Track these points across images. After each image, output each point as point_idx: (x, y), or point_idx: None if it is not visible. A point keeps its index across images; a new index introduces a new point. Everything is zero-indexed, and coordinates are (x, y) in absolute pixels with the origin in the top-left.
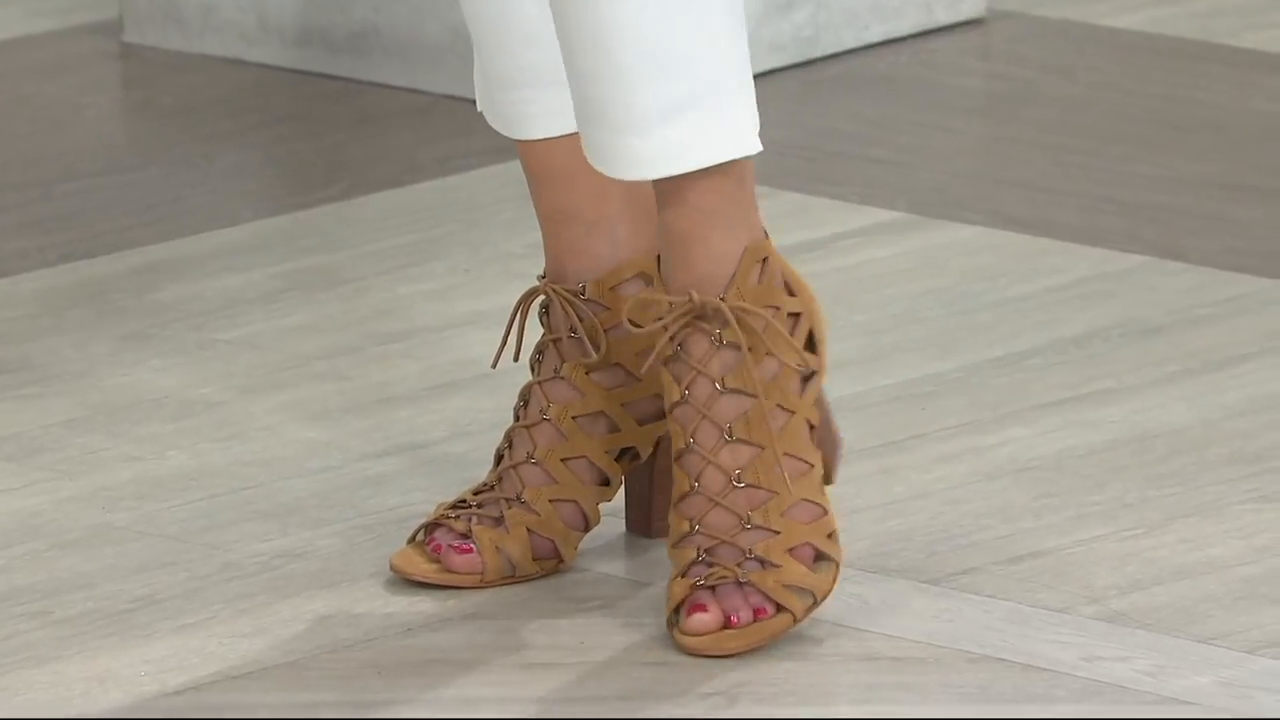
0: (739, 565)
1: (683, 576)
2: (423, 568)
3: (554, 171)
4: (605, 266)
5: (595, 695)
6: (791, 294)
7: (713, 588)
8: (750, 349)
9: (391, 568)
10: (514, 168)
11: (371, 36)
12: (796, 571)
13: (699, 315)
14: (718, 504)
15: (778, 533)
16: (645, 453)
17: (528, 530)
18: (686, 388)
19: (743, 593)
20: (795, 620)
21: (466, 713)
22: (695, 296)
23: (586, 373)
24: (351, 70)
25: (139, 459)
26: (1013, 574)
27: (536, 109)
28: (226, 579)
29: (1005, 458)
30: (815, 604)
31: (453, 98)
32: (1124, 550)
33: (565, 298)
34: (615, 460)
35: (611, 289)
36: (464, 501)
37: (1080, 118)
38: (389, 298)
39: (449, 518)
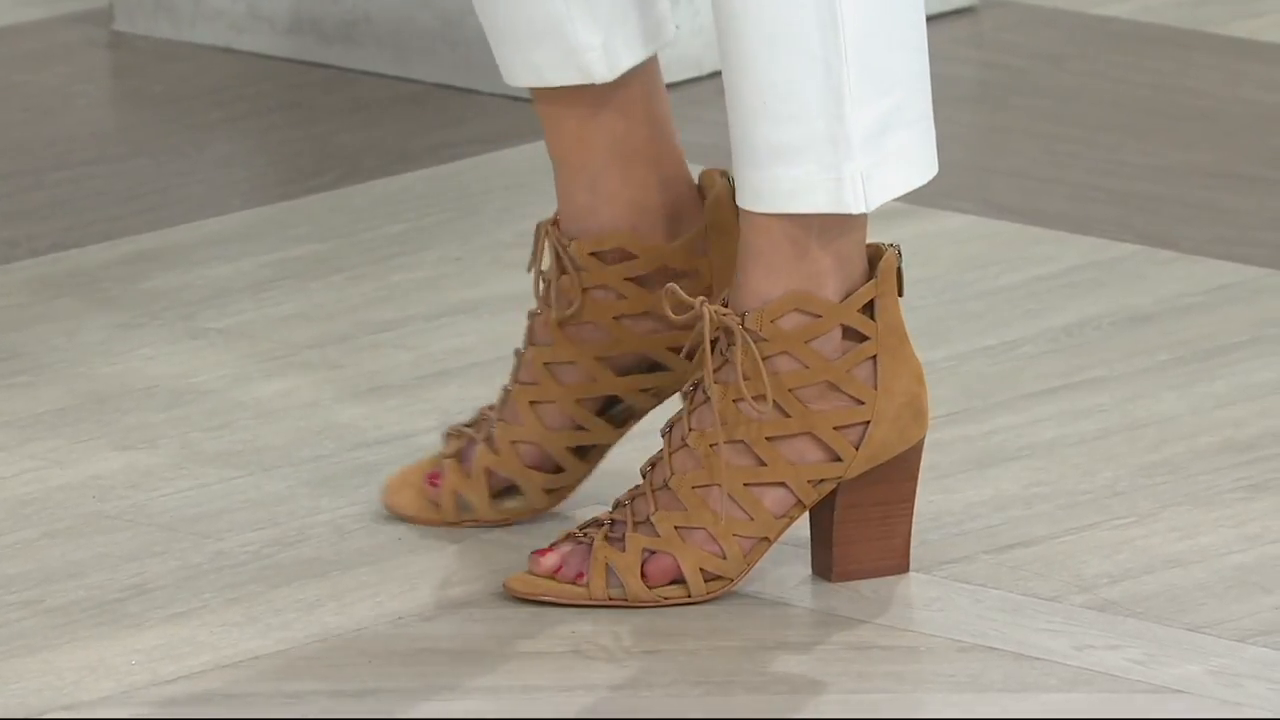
0: (606, 534)
1: (580, 526)
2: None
3: (544, 116)
4: (584, 215)
5: (586, 684)
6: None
7: (578, 540)
8: (747, 378)
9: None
10: (505, 156)
11: (362, 25)
12: (632, 566)
13: (717, 323)
14: (648, 493)
15: (658, 535)
16: (638, 404)
17: (486, 470)
18: (699, 379)
19: (581, 553)
20: (589, 596)
21: (457, 701)
22: (707, 308)
23: (560, 325)
24: (342, 59)
25: (130, 448)
26: (1004, 563)
27: (512, 61)
28: (217, 568)
29: (996, 446)
30: (623, 602)
31: (444, 86)
32: (1115, 539)
33: (556, 240)
34: (598, 414)
35: (591, 254)
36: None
37: (1071, 106)
38: (380, 286)
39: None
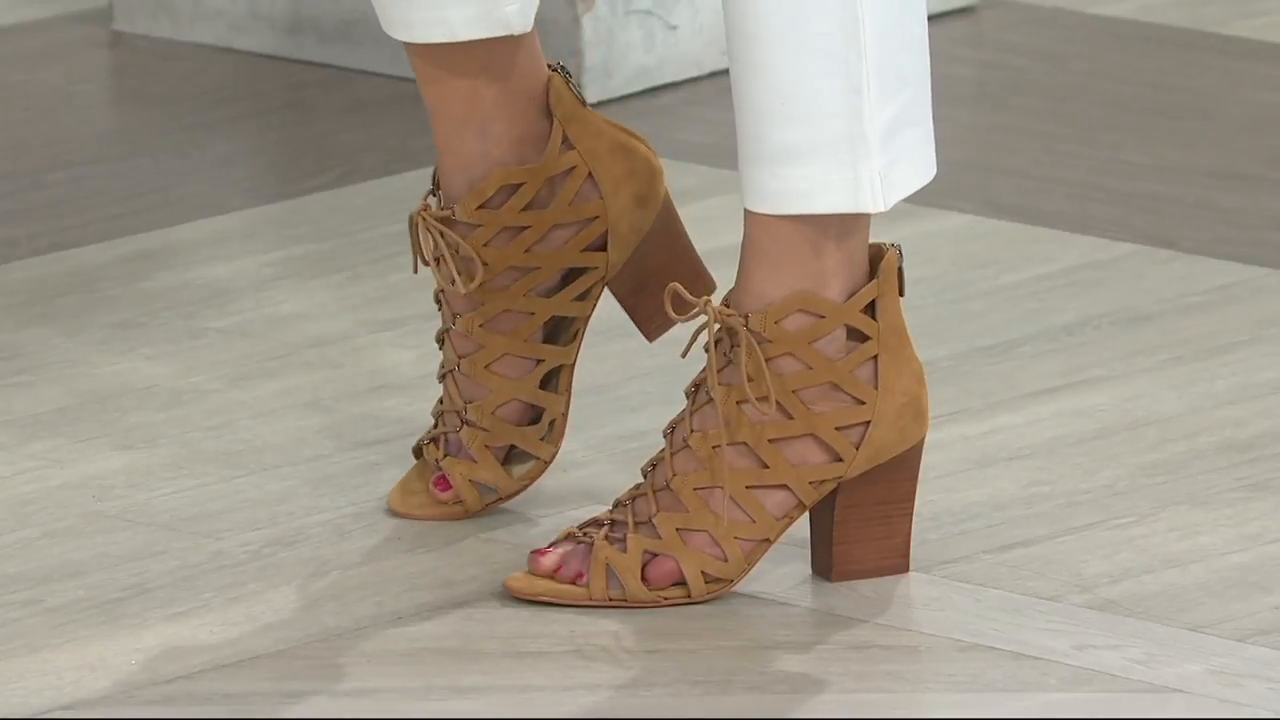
0: (607, 534)
1: (579, 525)
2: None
3: (425, 72)
4: (476, 162)
5: (586, 684)
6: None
7: (578, 540)
8: (750, 380)
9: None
10: None
11: (362, 24)
12: (632, 567)
13: (722, 324)
14: (649, 494)
15: (659, 538)
16: (577, 314)
17: (485, 448)
18: (703, 379)
19: (581, 553)
20: (589, 597)
21: (457, 701)
22: (711, 308)
23: (479, 288)
24: (342, 58)
25: (130, 447)
26: (1003, 562)
27: (420, 16)
28: (217, 567)
29: (996, 446)
30: (623, 602)
31: None
32: (1115, 538)
33: (432, 224)
34: (544, 342)
35: (479, 208)
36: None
37: (1071, 106)
38: (380, 285)
39: (431, 447)
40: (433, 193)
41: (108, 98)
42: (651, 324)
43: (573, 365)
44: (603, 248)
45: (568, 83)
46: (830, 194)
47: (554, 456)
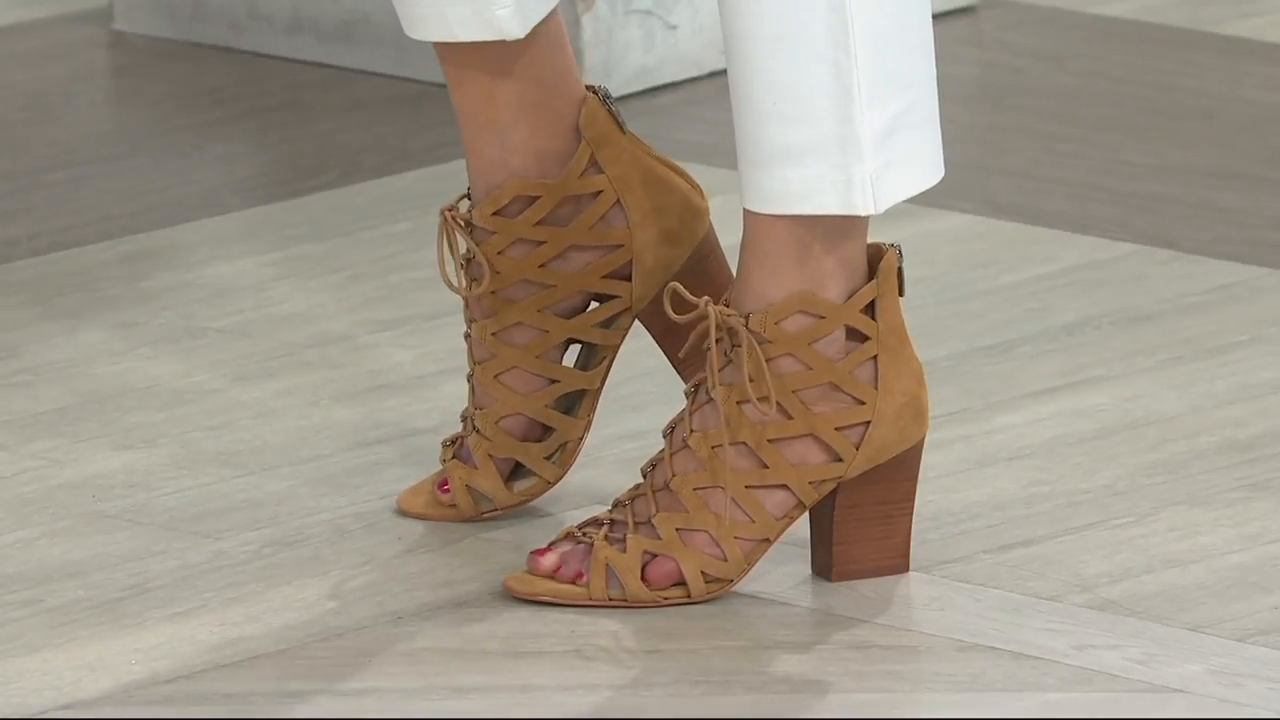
0: (607, 534)
1: (579, 525)
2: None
3: (451, 74)
4: (495, 169)
5: (586, 684)
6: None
7: (578, 540)
8: (751, 380)
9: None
10: None
11: (361, 24)
12: (632, 567)
13: (721, 324)
14: (649, 494)
15: (659, 538)
16: (599, 341)
17: (487, 456)
18: (702, 379)
19: (581, 553)
20: (589, 597)
21: (457, 701)
22: (712, 308)
23: (493, 294)
24: (342, 58)
25: (129, 447)
26: (1003, 562)
27: (421, 14)
28: (217, 567)
29: (996, 446)
30: (623, 602)
31: (443, 85)
32: (1115, 538)
33: (452, 224)
34: (559, 363)
35: (494, 214)
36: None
37: (1071, 106)
38: (380, 285)
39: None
40: (467, 194)
41: (108, 98)
42: (687, 365)
43: (597, 392)
44: (627, 277)
45: (606, 107)
46: (822, 196)
47: (560, 479)
